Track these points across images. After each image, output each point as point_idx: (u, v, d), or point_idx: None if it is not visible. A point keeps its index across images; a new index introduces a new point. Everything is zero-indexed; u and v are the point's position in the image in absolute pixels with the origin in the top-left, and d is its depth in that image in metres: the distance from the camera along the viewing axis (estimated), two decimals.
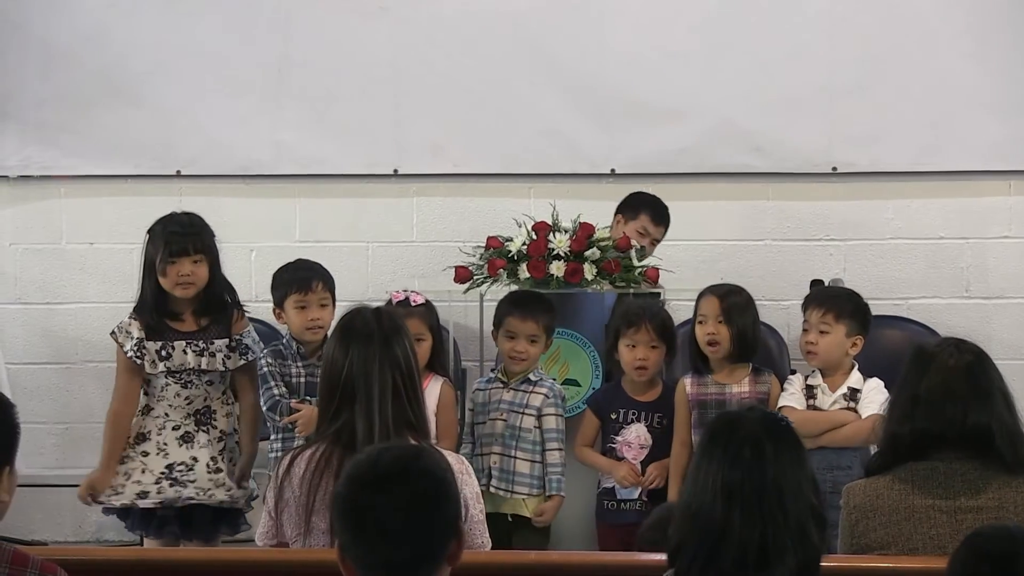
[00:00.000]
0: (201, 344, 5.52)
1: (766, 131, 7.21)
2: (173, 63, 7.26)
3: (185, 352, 5.51)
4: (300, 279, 5.53)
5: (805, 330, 5.56)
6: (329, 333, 5.19)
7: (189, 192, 7.25)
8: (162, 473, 5.49)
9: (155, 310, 5.51)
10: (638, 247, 6.07)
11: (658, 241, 6.64)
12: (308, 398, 5.42)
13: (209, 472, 5.52)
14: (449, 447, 5.18)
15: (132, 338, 5.49)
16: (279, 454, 5.28)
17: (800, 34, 7.19)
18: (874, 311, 5.99)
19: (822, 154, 7.24)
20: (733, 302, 5.57)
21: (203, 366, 5.52)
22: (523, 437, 5.55)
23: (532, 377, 5.61)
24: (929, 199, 7.29)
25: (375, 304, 4.57)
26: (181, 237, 5.48)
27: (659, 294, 6.01)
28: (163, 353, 5.49)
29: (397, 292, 5.69)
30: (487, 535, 4.09)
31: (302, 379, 5.48)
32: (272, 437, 5.54)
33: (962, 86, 7.16)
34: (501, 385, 5.63)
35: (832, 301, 5.59)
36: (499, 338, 5.64)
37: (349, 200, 7.36)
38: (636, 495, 5.61)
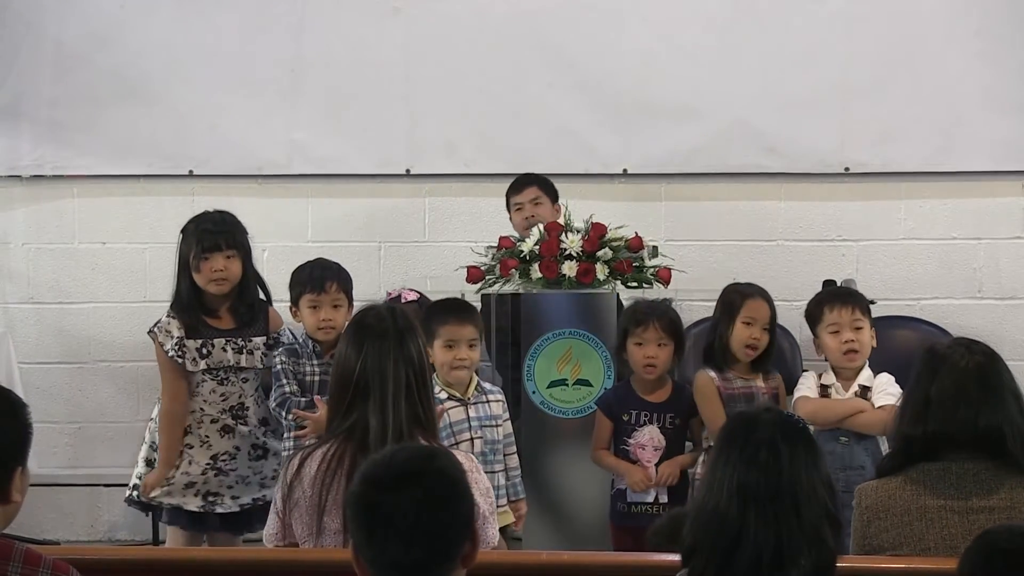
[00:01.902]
0: (240, 341, 5.60)
1: (779, 131, 7.20)
2: (186, 63, 7.27)
3: (224, 350, 5.58)
4: (314, 279, 5.53)
5: (834, 332, 5.50)
6: None
7: (201, 192, 7.25)
8: (207, 463, 5.58)
9: (192, 308, 5.58)
10: (650, 247, 6.06)
11: (538, 202, 6.61)
12: (320, 397, 5.41)
13: (251, 460, 5.62)
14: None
15: (172, 337, 5.56)
16: (291, 452, 5.29)
17: (813, 35, 7.19)
18: (886, 312, 6.00)
19: (834, 154, 7.23)
20: (775, 310, 5.58)
21: (243, 363, 5.60)
22: (498, 450, 5.43)
23: (484, 386, 5.46)
24: (941, 199, 7.28)
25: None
26: (213, 234, 5.56)
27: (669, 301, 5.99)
28: (203, 351, 5.56)
29: (392, 290, 5.70)
30: (496, 529, 4.09)
31: (316, 377, 5.48)
32: (285, 436, 5.54)
33: (975, 86, 7.15)
34: (458, 403, 5.35)
35: (855, 297, 5.61)
36: (435, 350, 5.30)
37: (361, 200, 7.37)
38: (651, 498, 5.60)
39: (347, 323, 4.34)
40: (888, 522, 3.79)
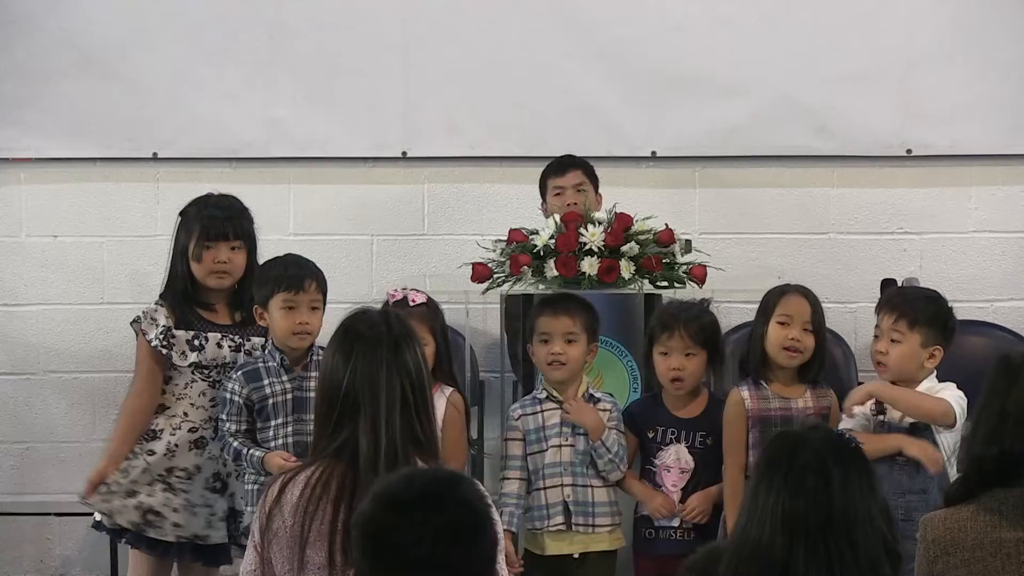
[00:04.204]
0: (238, 339, 5.61)
1: (831, 108, 7.19)
2: (150, 29, 7.26)
3: (220, 345, 5.59)
4: (291, 276, 5.43)
5: (876, 336, 5.48)
6: (317, 342, 5.22)
7: (167, 178, 7.26)
8: (159, 476, 5.55)
9: (186, 300, 5.60)
10: (683, 241, 6.05)
11: (582, 188, 6.60)
12: (289, 419, 5.35)
13: (206, 489, 5.58)
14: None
15: (158, 325, 5.56)
16: (256, 487, 5.25)
17: None
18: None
19: (895, 135, 7.22)
20: (821, 310, 5.53)
21: (239, 362, 5.56)
22: (591, 463, 5.50)
23: (595, 395, 5.57)
24: (1017, 186, 7.27)
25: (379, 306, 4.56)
26: (220, 221, 5.61)
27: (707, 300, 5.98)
28: (195, 343, 5.56)
29: (395, 290, 5.65)
30: (506, 571, 4.08)
31: (288, 395, 5.36)
32: (248, 480, 5.45)
33: None
34: (556, 406, 5.51)
35: (906, 306, 5.48)
36: (534, 347, 5.57)
37: (351, 187, 7.37)
38: (676, 523, 5.58)
39: (334, 329, 4.29)
40: (958, 557, 3.76)
